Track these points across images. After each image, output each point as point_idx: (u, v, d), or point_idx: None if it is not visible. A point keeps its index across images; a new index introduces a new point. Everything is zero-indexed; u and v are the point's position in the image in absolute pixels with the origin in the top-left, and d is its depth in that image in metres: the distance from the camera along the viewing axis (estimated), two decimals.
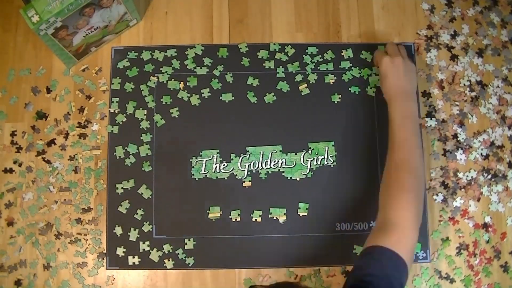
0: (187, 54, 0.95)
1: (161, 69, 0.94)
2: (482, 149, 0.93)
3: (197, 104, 0.93)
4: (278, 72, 0.94)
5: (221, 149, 0.91)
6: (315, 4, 0.98)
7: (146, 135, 0.92)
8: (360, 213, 0.90)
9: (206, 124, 0.92)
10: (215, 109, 0.93)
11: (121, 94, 0.93)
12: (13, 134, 0.92)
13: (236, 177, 0.91)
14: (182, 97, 0.93)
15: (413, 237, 0.72)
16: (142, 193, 0.90)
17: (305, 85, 0.93)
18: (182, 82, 0.94)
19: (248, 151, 0.91)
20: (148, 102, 0.93)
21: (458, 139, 0.93)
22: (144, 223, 0.89)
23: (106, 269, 0.88)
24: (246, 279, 0.88)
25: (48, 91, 0.94)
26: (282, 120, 0.93)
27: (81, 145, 0.92)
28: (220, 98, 0.93)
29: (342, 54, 0.95)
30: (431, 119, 0.93)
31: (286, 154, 0.91)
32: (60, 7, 0.77)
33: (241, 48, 0.95)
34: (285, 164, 0.91)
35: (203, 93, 0.93)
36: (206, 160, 0.91)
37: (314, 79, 0.94)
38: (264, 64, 0.94)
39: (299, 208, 0.89)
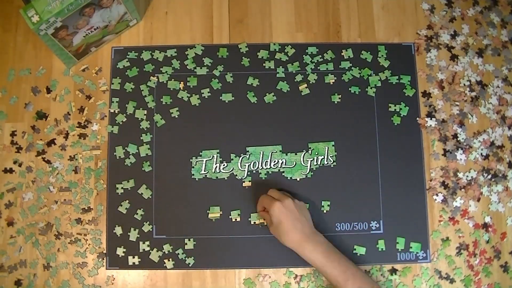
0: (187, 54, 0.95)
1: (161, 69, 0.94)
2: (482, 149, 0.93)
3: (197, 104, 0.93)
4: (278, 72, 0.94)
5: (221, 149, 0.91)
6: (315, 4, 0.98)
7: (146, 135, 0.92)
8: (360, 213, 0.90)
9: (206, 124, 0.92)
10: (215, 109, 0.93)
11: (121, 94, 0.93)
12: (13, 134, 0.92)
13: (236, 177, 0.91)
14: (182, 97, 0.93)
15: None
16: (142, 193, 0.90)
17: (305, 85, 0.93)
18: (182, 82, 0.94)
19: (248, 151, 0.91)
20: (148, 102, 0.93)
21: (458, 139, 0.93)
22: (144, 223, 0.89)
23: (106, 269, 0.88)
24: (246, 279, 0.88)
25: (48, 91, 0.94)
26: (282, 120, 0.93)
27: (81, 145, 0.92)
28: (220, 98, 0.93)
29: (342, 54, 0.95)
30: (431, 119, 0.93)
31: (286, 154, 0.91)
32: (60, 7, 0.77)
33: (241, 48, 0.95)
34: (285, 164, 0.91)
35: (203, 93, 0.93)
36: (206, 160, 0.91)
37: (314, 79, 0.94)
38: (264, 64, 0.94)
39: None
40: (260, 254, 0.89)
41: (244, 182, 0.90)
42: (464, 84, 0.95)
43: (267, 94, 0.93)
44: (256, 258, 0.89)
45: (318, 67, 0.94)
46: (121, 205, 0.89)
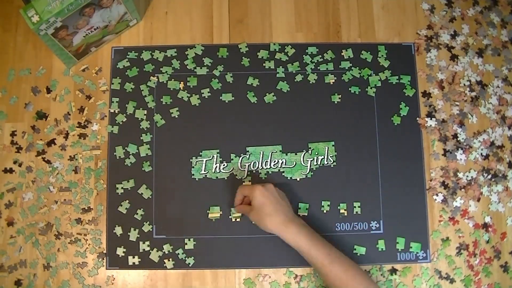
0: (187, 54, 0.95)
1: (161, 69, 0.94)
2: (482, 149, 0.93)
3: (197, 104, 0.93)
4: (278, 72, 0.94)
5: (221, 149, 0.91)
6: (315, 4, 0.98)
7: (146, 135, 0.92)
8: (360, 213, 0.90)
9: (206, 124, 0.92)
10: (215, 109, 0.93)
11: (121, 94, 0.93)
12: (13, 134, 0.92)
13: (236, 177, 0.91)
14: (182, 97, 0.93)
15: None
16: (142, 193, 0.90)
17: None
18: (182, 82, 0.94)
19: (248, 151, 0.91)
20: (148, 102, 0.93)
21: (458, 139, 0.93)
22: (144, 223, 0.89)
23: (106, 269, 0.88)
24: (246, 279, 0.88)
25: (48, 91, 0.94)
26: (282, 120, 0.93)
27: (81, 145, 0.92)
28: (220, 98, 0.93)
29: (342, 54, 0.95)
30: (431, 119, 0.93)
31: (286, 154, 0.91)
32: (60, 7, 0.77)
33: (241, 48, 0.95)
34: (285, 164, 0.91)
35: (203, 93, 0.93)
36: (206, 160, 0.91)
37: (314, 79, 0.94)
38: (264, 64, 0.94)
39: (299, 208, 0.89)
40: (260, 254, 0.89)
41: (244, 182, 0.90)
42: (464, 84, 0.95)
43: (267, 94, 0.93)
44: (256, 258, 0.89)
45: (318, 67, 0.94)
46: (121, 205, 0.89)
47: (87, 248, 0.89)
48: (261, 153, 0.91)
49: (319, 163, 0.91)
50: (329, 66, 0.94)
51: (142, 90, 0.93)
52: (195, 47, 0.95)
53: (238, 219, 0.89)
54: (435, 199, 0.91)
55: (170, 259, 0.88)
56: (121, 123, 0.92)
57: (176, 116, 0.92)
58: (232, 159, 0.91)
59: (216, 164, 0.91)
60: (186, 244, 0.88)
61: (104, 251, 0.89)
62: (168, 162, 0.91)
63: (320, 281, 0.88)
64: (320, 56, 0.95)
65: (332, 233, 0.89)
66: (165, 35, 0.96)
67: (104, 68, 0.95)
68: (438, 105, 0.94)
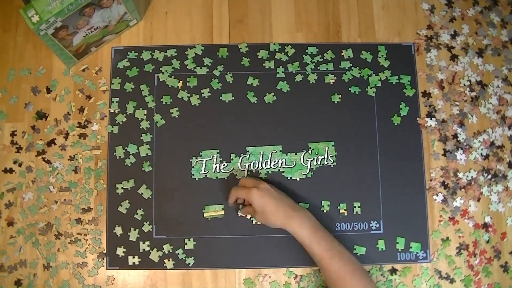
0: (187, 54, 0.95)
1: (161, 69, 0.94)
2: (482, 149, 0.93)
3: (197, 104, 0.93)
4: (278, 72, 0.94)
5: (221, 149, 0.91)
6: (315, 4, 0.98)
7: (146, 135, 0.92)
8: (360, 213, 0.90)
9: (206, 124, 0.92)
10: (215, 109, 0.93)
11: (121, 94, 0.93)
12: (13, 134, 0.92)
13: (236, 177, 0.91)
14: (182, 97, 0.93)
15: None
16: (142, 193, 0.90)
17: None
18: (181, 82, 0.93)
19: (248, 151, 0.91)
20: (148, 102, 0.93)
21: (458, 139, 0.93)
22: (144, 223, 0.89)
23: (106, 269, 0.88)
24: (246, 279, 0.88)
25: (48, 91, 0.94)
26: (282, 120, 0.93)
27: (81, 145, 0.92)
28: (220, 98, 0.93)
29: (342, 54, 0.95)
30: (431, 119, 0.93)
31: (286, 154, 0.91)
32: (60, 7, 0.77)
33: (241, 48, 0.95)
34: (285, 164, 0.91)
35: (203, 93, 0.93)
36: (206, 160, 0.91)
37: (314, 79, 0.94)
38: (264, 64, 0.94)
39: None
40: (260, 254, 0.89)
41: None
42: (464, 84, 0.95)
43: (267, 94, 0.93)
44: (256, 258, 0.89)
45: (318, 67, 0.94)
46: (121, 205, 0.89)
47: (87, 248, 0.89)
48: (261, 153, 0.91)
49: (319, 163, 0.91)
50: (329, 66, 0.94)
51: (142, 90, 0.93)
52: (195, 47, 0.95)
53: (248, 216, 0.89)
54: (435, 199, 0.91)
55: (170, 259, 0.88)
56: (121, 123, 0.92)
57: (176, 116, 0.92)
58: (232, 159, 0.91)
59: (216, 164, 0.91)
60: (186, 244, 0.88)
61: (104, 251, 0.89)
62: (168, 162, 0.91)
63: (320, 281, 0.88)
64: (320, 56, 0.95)
65: (332, 233, 0.88)
66: (165, 35, 0.96)
67: (104, 68, 0.95)
68: (438, 105, 0.94)
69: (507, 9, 0.98)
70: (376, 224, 0.89)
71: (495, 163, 0.92)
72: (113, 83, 0.94)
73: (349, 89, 0.94)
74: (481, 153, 0.92)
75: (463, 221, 0.91)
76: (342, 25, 0.97)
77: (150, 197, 0.90)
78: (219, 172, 0.91)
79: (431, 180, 0.91)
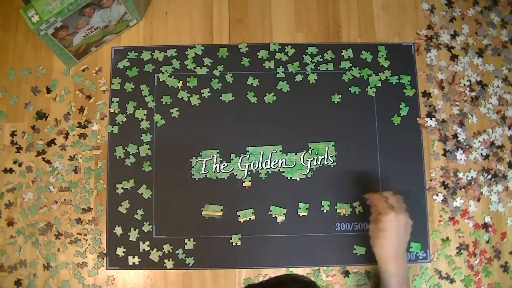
0: (187, 54, 0.95)
1: (161, 69, 0.94)
2: (482, 149, 0.92)
3: (197, 104, 0.93)
4: (278, 72, 0.94)
5: (221, 149, 0.91)
6: (315, 4, 0.98)
7: (146, 135, 0.92)
8: (360, 213, 0.90)
9: (206, 124, 0.92)
10: (215, 109, 0.93)
11: (121, 94, 0.93)
12: (13, 134, 0.92)
13: (236, 177, 0.91)
14: (182, 97, 0.93)
15: None
16: (142, 193, 0.90)
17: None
18: (181, 82, 0.93)
19: (248, 151, 0.91)
20: (148, 102, 0.93)
21: (458, 139, 0.93)
22: (144, 223, 0.89)
23: (106, 269, 0.88)
24: (246, 279, 0.88)
25: (48, 91, 0.94)
26: (282, 120, 0.93)
27: (81, 145, 0.92)
28: (220, 98, 0.93)
29: (342, 54, 0.95)
30: (431, 119, 0.93)
31: (286, 154, 0.91)
32: (60, 7, 0.77)
33: (241, 48, 0.95)
34: (285, 164, 0.91)
35: (203, 93, 0.93)
36: (206, 160, 0.91)
37: (314, 79, 0.94)
38: (264, 64, 0.94)
39: (299, 208, 0.89)
40: (260, 254, 0.88)
41: (244, 182, 0.90)
42: (464, 84, 0.95)
43: (267, 94, 0.93)
44: (256, 258, 0.88)
45: (318, 67, 0.94)
46: (121, 205, 0.89)
47: (87, 248, 0.89)
48: (261, 153, 0.91)
49: (319, 163, 0.91)
50: (329, 66, 0.94)
51: (142, 90, 0.93)
52: (195, 47, 0.95)
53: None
54: (435, 199, 0.91)
55: (170, 259, 0.88)
56: (121, 123, 0.92)
57: (176, 116, 0.92)
58: (232, 159, 0.91)
59: (216, 164, 0.91)
60: (186, 244, 0.88)
61: (104, 251, 0.89)
62: (168, 162, 0.91)
63: (320, 281, 0.88)
64: (320, 56, 0.95)
65: (332, 233, 0.89)
66: (165, 35, 0.96)
67: (104, 68, 0.95)
68: (438, 105, 0.94)
69: (507, 9, 0.98)
70: None
71: (495, 163, 0.92)
72: (113, 83, 0.94)
73: (349, 89, 0.94)
74: (481, 153, 0.92)
75: (463, 221, 0.91)
76: (342, 25, 0.97)
77: (150, 197, 0.90)
78: (219, 172, 0.91)
79: (431, 180, 0.91)
